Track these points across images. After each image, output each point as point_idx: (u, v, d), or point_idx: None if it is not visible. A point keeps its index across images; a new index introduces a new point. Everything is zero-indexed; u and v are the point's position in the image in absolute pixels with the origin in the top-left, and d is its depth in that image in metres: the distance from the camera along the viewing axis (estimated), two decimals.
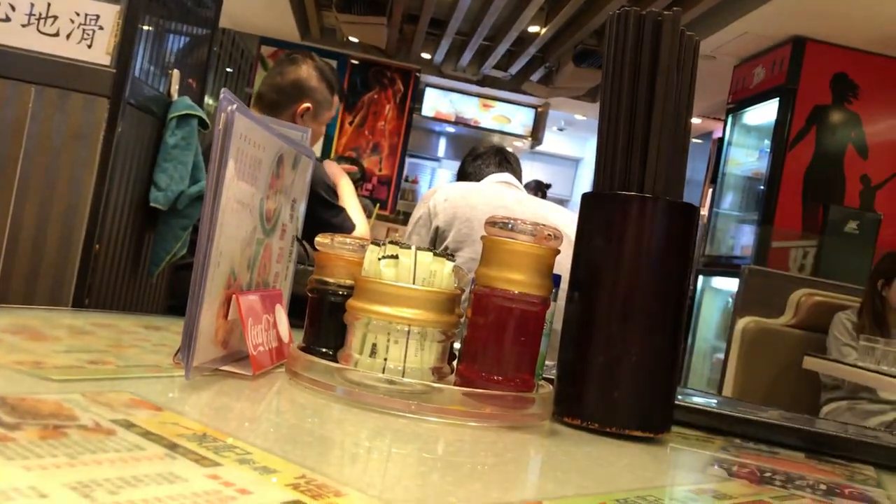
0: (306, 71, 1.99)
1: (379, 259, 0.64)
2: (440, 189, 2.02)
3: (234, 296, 0.66)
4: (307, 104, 1.98)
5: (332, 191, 1.99)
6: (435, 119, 7.92)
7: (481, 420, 0.62)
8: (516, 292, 0.64)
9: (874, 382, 2.37)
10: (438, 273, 0.64)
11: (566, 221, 1.91)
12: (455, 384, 0.66)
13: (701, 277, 5.00)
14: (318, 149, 5.33)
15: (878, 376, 2.27)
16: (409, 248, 0.64)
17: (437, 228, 2.06)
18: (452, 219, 1.92)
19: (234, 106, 0.60)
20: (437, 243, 2.11)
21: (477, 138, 7.78)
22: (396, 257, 0.64)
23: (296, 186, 0.82)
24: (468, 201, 1.94)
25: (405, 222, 5.24)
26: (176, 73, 1.90)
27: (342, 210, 2.01)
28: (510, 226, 0.65)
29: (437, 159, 9.16)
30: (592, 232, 0.71)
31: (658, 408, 0.69)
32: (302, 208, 0.85)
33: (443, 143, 9.12)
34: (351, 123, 6.99)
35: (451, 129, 8.62)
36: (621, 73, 0.71)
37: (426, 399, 0.62)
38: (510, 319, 0.65)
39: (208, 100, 4.42)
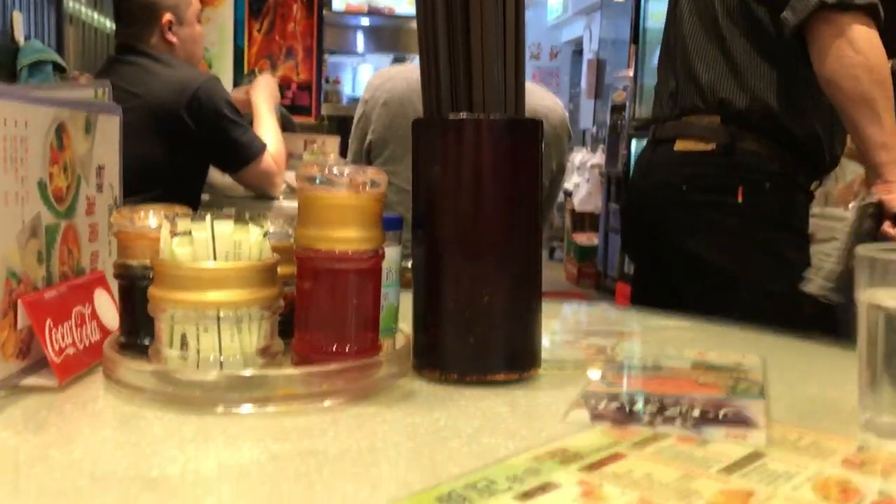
0: None
1: (171, 237, 0.56)
2: (382, 84, 1.73)
3: (18, 300, 0.58)
4: (167, 15, 1.83)
5: (233, 107, 1.85)
6: (347, 13, 7.59)
7: (319, 400, 0.56)
8: (339, 252, 0.57)
9: None
10: (244, 243, 0.56)
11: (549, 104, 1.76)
12: (292, 361, 0.59)
13: (634, 141, 4.94)
14: (226, 62, 5.07)
15: None
16: (204, 219, 0.55)
17: (370, 143, 1.91)
18: (386, 130, 1.72)
19: None
20: (371, 158, 1.95)
21: (397, 27, 7.50)
22: (189, 233, 0.55)
23: (98, 151, 0.71)
24: (413, 107, 1.62)
25: (331, 130, 5.05)
26: (17, 14, 1.72)
27: (248, 128, 1.88)
28: (322, 179, 0.56)
29: (358, 54, 8.84)
30: (426, 162, 0.62)
31: (520, 347, 0.63)
32: (116, 172, 0.75)
33: (360, 37, 8.77)
34: (259, 31, 6.63)
35: (366, 22, 8.28)
36: None
37: (253, 387, 0.54)
38: (339, 282, 0.57)
39: None
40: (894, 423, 0.51)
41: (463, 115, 0.61)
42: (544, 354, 0.65)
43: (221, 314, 0.55)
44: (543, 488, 0.43)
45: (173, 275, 0.55)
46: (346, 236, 0.57)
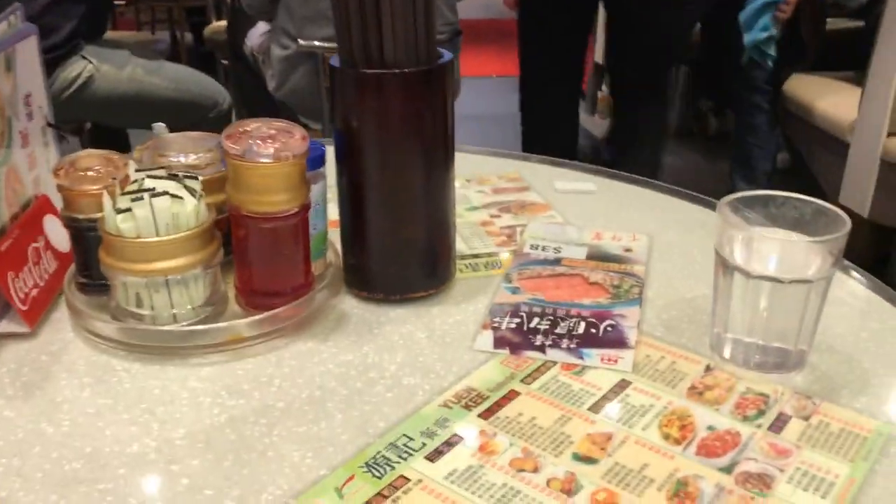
0: None
1: (115, 212, 0.61)
2: None
3: None
4: None
5: None
6: None
7: (264, 339, 0.65)
8: (268, 213, 0.63)
9: None
10: (182, 214, 0.62)
11: None
12: (237, 301, 0.68)
13: None
14: None
15: None
16: (142, 197, 0.61)
17: None
18: None
19: None
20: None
21: None
22: (130, 209, 0.61)
23: (22, 80, 0.73)
24: None
25: None
26: None
27: None
28: (250, 151, 0.61)
29: None
30: (344, 111, 0.67)
31: (436, 267, 0.72)
32: (42, 92, 0.77)
33: None
34: None
35: None
36: None
37: (206, 336, 0.64)
38: (270, 238, 0.64)
39: None
40: (736, 342, 0.63)
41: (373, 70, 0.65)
42: (460, 241, 0.75)
43: (169, 278, 0.62)
44: (450, 442, 0.55)
45: (121, 246, 0.61)
46: (273, 199, 0.63)
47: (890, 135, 2.09)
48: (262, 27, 2.16)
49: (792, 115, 2.59)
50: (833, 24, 2.95)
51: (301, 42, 1.88)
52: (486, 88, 4.40)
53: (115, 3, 4.02)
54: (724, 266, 0.61)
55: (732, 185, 2.88)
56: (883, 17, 2.08)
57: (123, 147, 2.75)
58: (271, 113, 2.19)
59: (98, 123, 2.46)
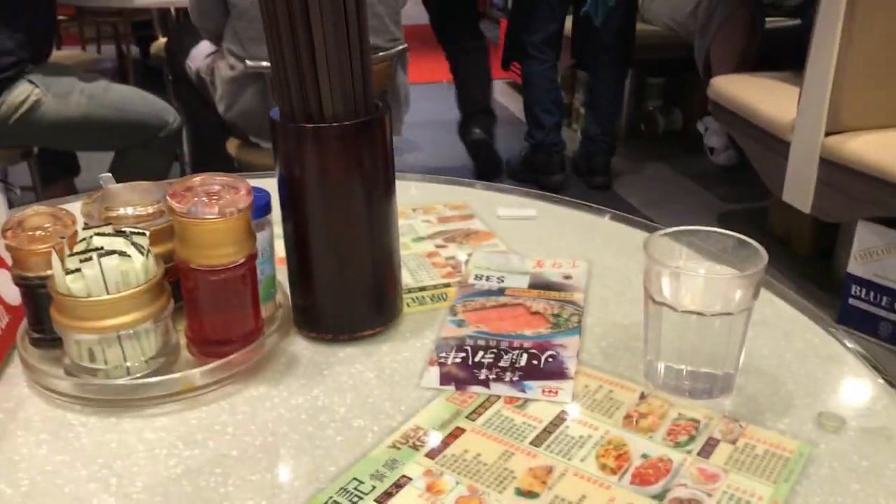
0: None
1: (65, 273, 0.63)
2: None
3: None
4: None
5: None
6: None
7: (217, 387, 0.67)
8: (215, 266, 0.65)
9: None
10: (131, 271, 0.64)
11: None
12: (188, 350, 0.70)
13: None
14: None
15: None
16: (91, 258, 0.62)
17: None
18: None
19: None
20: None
21: None
22: (80, 270, 0.62)
23: None
24: None
25: None
26: None
27: None
28: (195, 209, 0.63)
29: None
30: (286, 162, 0.69)
31: (382, 305, 0.75)
32: None
33: None
34: None
35: None
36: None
37: (160, 387, 0.65)
38: (218, 289, 0.66)
39: None
40: (668, 368, 0.67)
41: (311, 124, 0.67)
42: (407, 274, 0.78)
43: (121, 333, 0.64)
44: (399, 484, 0.58)
45: (72, 305, 0.63)
46: (220, 252, 0.65)
47: (828, 134, 2.16)
48: (205, 48, 2.16)
49: (733, 115, 2.66)
50: (771, 23, 3.03)
51: (249, 63, 1.89)
52: (436, 94, 4.43)
53: (59, 18, 3.97)
54: (653, 300, 0.65)
55: (585, 126, 3.39)
56: (817, 15, 2.14)
57: (71, 168, 2.73)
58: (217, 131, 2.20)
59: (46, 147, 2.44)
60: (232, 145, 2.20)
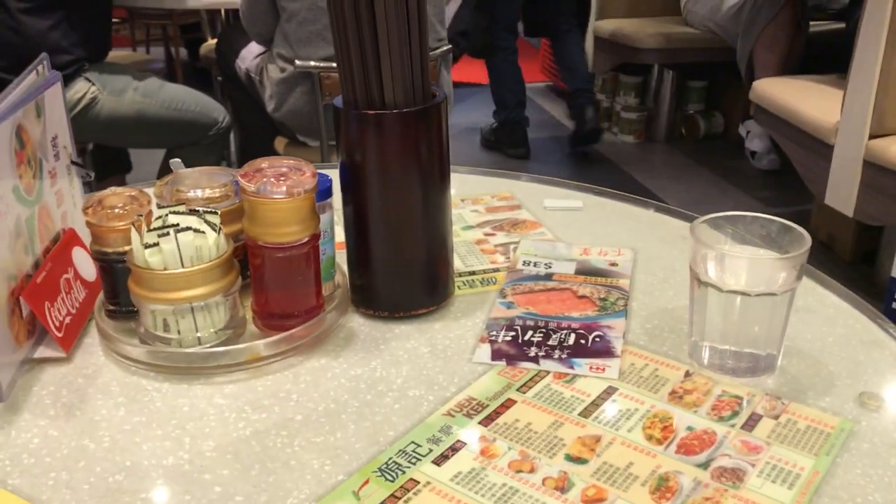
0: None
1: (143, 247, 0.67)
2: None
3: (20, 298, 0.70)
4: None
5: None
6: None
7: (281, 358, 0.71)
8: (282, 243, 0.69)
9: None
10: (204, 247, 0.68)
11: None
12: (254, 323, 0.74)
13: None
14: None
15: None
16: (168, 233, 0.67)
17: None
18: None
19: None
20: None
21: None
22: (158, 244, 0.67)
23: (50, 126, 0.79)
24: None
25: None
26: None
27: None
28: (263, 189, 0.67)
29: None
30: (349, 148, 0.73)
31: (436, 286, 0.78)
32: (66, 131, 0.83)
33: None
34: None
35: None
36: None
37: (228, 357, 0.70)
38: (283, 266, 0.71)
39: None
40: (712, 349, 0.69)
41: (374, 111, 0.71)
42: (457, 259, 0.82)
43: (193, 305, 0.68)
44: (454, 448, 0.61)
45: (149, 278, 0.67)
46: (286, 231, 0.69)
47: (872, 137, 2.15)
48: (255, 49, 2.22)
49: (776, 118, 2.65)
50: (815, 26, 3.02)
51: (298, 63, 1.94)
52: (480, 97, 4.46)
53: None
54: (699, 281, 0.67)
55: (570, 85, 3.77)
56: (862, 19, 2.14)
57: (125, 166, 2.81)
58: (265, 131, 2.25)
59: (100, 144, 2.52)
60: (280, 143, 2.25)
